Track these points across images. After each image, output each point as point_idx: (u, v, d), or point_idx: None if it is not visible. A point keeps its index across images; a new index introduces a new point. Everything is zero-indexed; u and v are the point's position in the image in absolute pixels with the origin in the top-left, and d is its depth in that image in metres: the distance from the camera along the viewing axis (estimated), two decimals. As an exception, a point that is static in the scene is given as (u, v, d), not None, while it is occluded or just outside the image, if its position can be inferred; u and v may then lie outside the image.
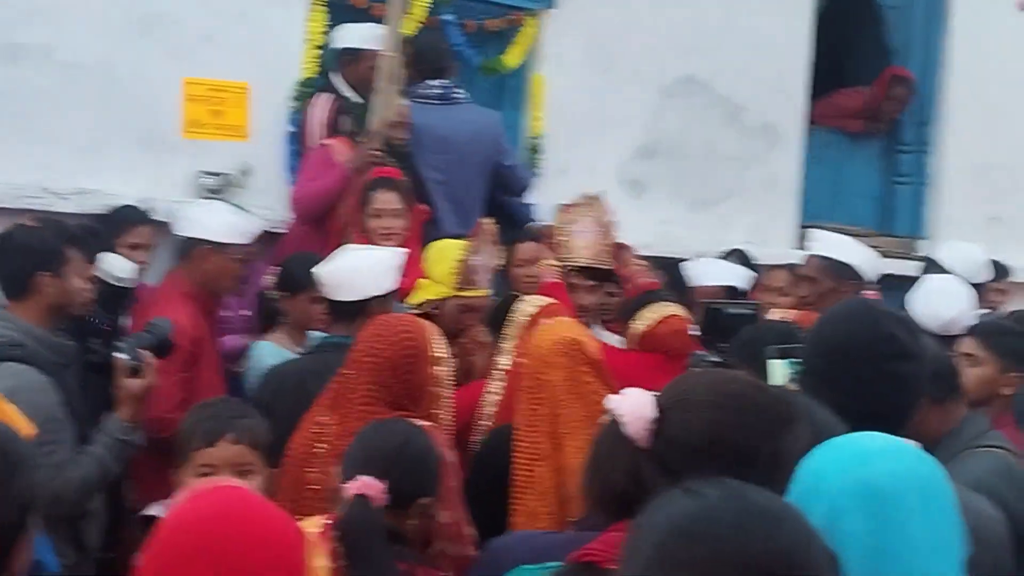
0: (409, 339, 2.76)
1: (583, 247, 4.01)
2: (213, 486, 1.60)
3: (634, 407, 1.62)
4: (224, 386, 3.94)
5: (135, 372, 3.07)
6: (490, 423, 3.21)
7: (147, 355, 3.10)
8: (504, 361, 3.32)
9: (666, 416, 1.61)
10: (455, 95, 4.66)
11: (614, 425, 1.65)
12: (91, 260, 3.36)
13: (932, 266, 4.85)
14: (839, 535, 1.38)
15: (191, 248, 3.85)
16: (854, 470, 1.46)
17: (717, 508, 1.18)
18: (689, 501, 1.20)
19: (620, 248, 4.43)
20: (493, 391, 3.28)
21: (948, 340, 3.47)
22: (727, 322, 3.34)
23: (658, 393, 1.66)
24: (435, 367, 2.79)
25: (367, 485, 2.08)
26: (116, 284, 3.74)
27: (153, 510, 2.61)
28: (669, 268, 4.75)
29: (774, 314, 4.42)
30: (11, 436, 1.63)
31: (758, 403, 1.62)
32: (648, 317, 3.73)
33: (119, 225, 4.07)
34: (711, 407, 1.61)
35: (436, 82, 4.61)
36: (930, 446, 1.70)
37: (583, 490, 1.75)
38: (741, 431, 1.58)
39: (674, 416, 1.61)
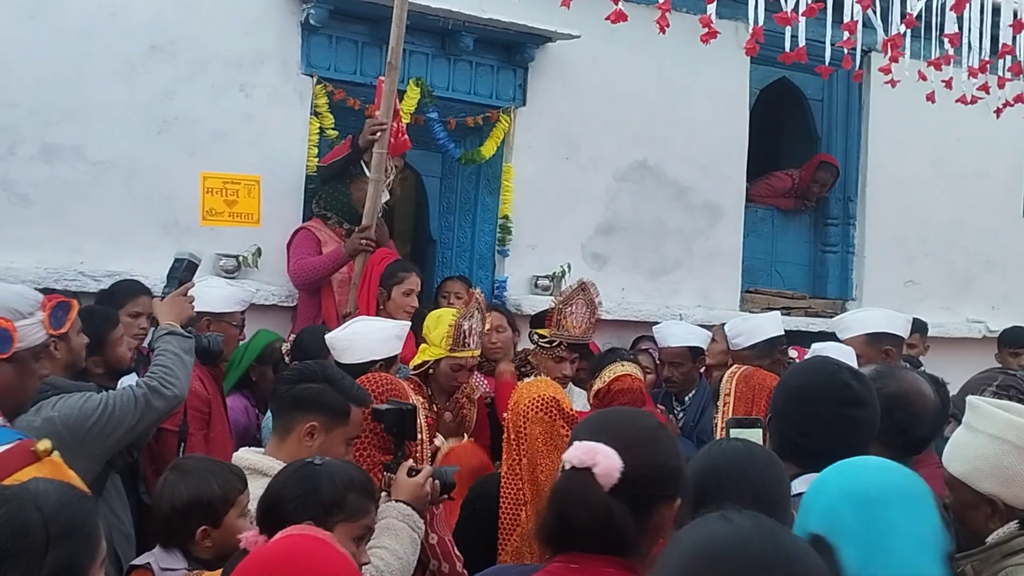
0: (394, 393, 3.14)
1: (575, 326, 4.51)
2: (286, 533, 1.80)
3: (603, 456, 1.77)
4: (232, 440, 4.25)
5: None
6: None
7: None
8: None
9: (625, 458, 1.78)
10: None
11: (578, 473, 1.78)
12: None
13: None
14: (835, 533, 1.64)
15: (195, 321, 4.10)
16: (849, 480, 1.73)
17: (749, 535, 1.27)
18: (725, 526, 1.28)
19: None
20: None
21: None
22: None
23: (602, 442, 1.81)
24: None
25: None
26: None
27: (143, 559, 2.81)
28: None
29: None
30: (72, 493, 1.80)
31: (663, 433, 1.94)
32: (604, 376, 4.08)
33: (122, 296, 4.29)
34: (648, 441, 1.87)
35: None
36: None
37: (541, 531, 1.85)
38: (673, 457, 1.91)
39: (628, 457, 1.78)
